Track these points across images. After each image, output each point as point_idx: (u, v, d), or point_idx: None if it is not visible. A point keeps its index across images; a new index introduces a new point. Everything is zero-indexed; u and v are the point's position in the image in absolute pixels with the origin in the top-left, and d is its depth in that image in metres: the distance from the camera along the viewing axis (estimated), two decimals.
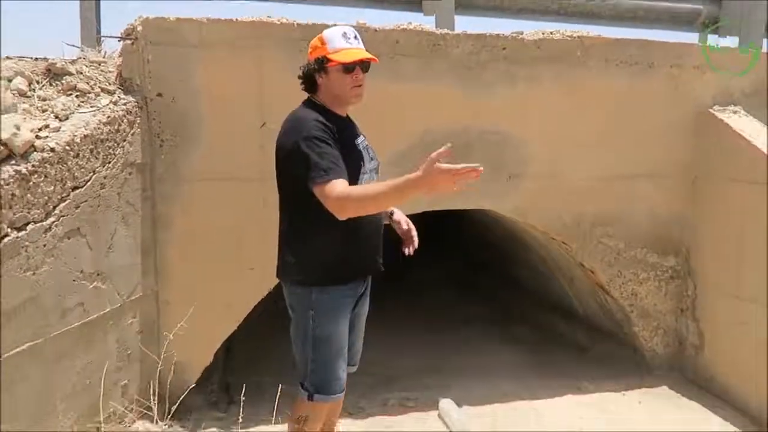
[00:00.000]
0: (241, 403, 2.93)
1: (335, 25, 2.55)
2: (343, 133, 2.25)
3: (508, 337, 4.69)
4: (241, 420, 2.94)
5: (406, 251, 2.46)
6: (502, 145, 3.54)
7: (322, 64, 2.25)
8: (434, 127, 3.44)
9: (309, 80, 2.31)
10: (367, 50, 2.30)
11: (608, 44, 3.60)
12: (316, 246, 2.23)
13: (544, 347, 4.46)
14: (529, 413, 3.48)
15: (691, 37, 4.64)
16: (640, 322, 3.87)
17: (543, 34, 3.56)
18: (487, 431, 3.26)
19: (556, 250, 4.05)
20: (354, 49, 2.26)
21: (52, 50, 4.67)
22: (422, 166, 1.93)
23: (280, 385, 2.82)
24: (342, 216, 2.12)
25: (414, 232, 2.48)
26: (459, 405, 3.41)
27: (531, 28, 3.66)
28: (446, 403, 3.38)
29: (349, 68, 2.24)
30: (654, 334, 3.90)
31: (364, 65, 2.28)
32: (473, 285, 5.97)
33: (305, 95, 2.36)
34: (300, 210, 2.24)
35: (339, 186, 2.09)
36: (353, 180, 2.20)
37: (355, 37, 2.30)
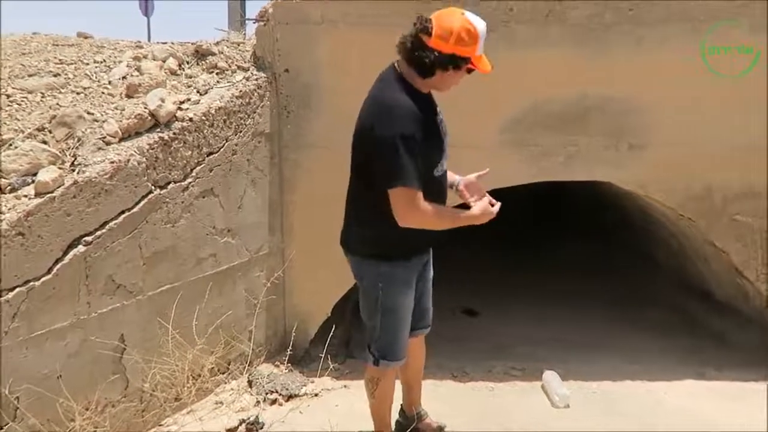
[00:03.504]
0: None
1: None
2: (427, 117, 2.24)
3: (636, 318, 4.48)
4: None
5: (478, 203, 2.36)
6: (622, 112, 3.39)
7: (461, 63, 2.16)
8: (550, 94, 3.40)
9: (431, 66, 2.16)
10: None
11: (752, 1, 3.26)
12: (391, 224, 2.22)
13: (672, 330, 4.21)
14: (642, 394, 3.35)
15: None
16: None
17: None
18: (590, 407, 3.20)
19: (686, 227, 3.79)
20: (485, 56, 2.22)
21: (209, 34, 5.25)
22: (478, 205, 2.31)
23: None
24: (404, 224, 2.20)
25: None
26: (564, 379, 3.37)
27: None
28: (549, 375, 3.36)
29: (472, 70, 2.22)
30: None
31: None
32: (607, 264, 5.72)
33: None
34: (385, 193, 2.20)
35: (421, 198, 2.17)
36: (436, 163, 2.28)
37: None
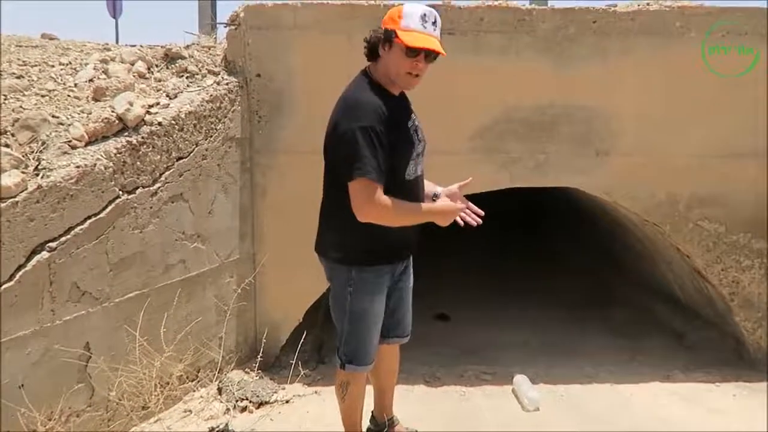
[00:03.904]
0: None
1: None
2: (396, 116, 2.24)
3: (603, 321, 4.55)
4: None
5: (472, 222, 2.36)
6: (590, 120, 3.46)
7: (389, 37, 2.18)
8: (520, 102, 3.45)
9: (373, 47, 2.26)
10: (447, 32, 2.27)
11: (712, 13, 3.36)
12: (362, 229, 2.21)
13: (639, 333, 4.29)
14: (609, 396, 3.40)
15: None
16: (742, 313, 3.61)
17: (638, 5, 3.41)
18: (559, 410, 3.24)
19: (651, 232, 3.87)
20: (426, 35, 2.15)
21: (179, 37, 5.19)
22: (441, 201, 2.35)
23: None
24: (363, 218, 2.17)
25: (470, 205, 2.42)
26: (534, 382, 3.41)
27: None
28: (520, 379, 3.39)
29: (411, 53, 2.15)
30: (758, 325, 3.62)
31: (429, 55, 2.18)
32: (576, 266, 5.81)
33: None
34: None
35: (381, 192, 2.15)
36: (404, 164, 2.24)
37: (434, 23, 2.18)
